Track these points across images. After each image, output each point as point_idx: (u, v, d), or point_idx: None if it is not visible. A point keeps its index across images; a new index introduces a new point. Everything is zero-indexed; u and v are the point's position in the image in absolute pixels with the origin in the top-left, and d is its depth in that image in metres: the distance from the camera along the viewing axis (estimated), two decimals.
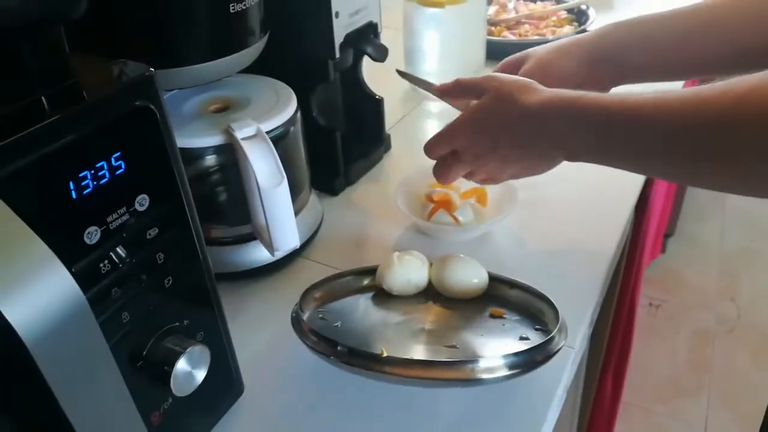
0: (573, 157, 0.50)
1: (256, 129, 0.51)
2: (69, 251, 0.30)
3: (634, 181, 0.71)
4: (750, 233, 1.99)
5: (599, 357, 0.93)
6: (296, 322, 0.49)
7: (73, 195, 0.31)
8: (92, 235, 0.33)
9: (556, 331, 0.46)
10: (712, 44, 0.54)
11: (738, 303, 1.76)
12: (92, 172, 0.32)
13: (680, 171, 0.45)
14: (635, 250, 0.83)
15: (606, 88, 0.60)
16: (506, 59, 0.64)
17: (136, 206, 0.35)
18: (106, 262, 0.34)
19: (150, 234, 0.37)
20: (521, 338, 0.49)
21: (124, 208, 0.35)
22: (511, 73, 0.57)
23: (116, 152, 0.34)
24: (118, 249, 0.35)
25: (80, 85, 0.34)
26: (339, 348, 0.45)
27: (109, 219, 0.34)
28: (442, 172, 0.56)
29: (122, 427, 0.36)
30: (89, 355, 0.32)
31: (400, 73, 0.68)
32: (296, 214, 0.54)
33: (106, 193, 0.33)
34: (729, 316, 1.72)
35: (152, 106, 0.35)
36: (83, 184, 0.32)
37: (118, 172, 0.34)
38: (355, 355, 0.45)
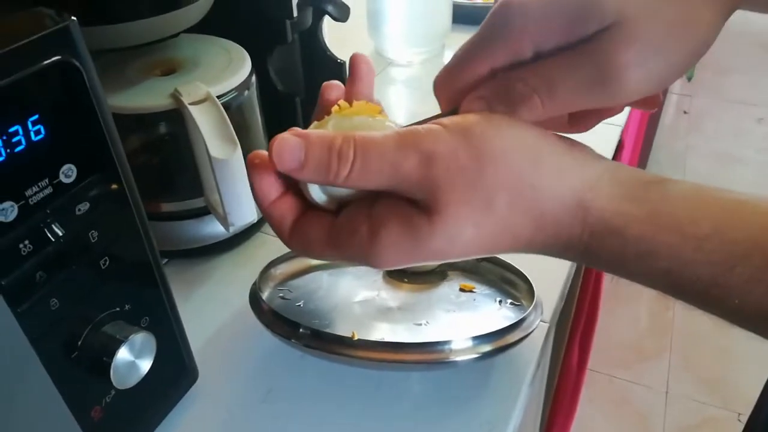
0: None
1: (205, 93, 0.47)
2: None
3: (605, 153, 0.68)
4: None
5: (566, 326, 0.92)
6: (255, 301, 0.46)
7: None
8: (7, 211, 0.29)
9: (531, 308, 0.43)
10: None
11: None
12: (4, 138, 0.28)
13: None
14: None
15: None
16: None
17: (61, 177, 0.31)
18: (26, 242, 0.30)
19: (80, 209, 0.33)
20: (498, 301, 0.47)
21: (47, 180, 0.31)
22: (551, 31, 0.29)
23: (33, 115, 0.29)
24: (41, 227, 0.31)
25: None
26: (301, 330, 0.42)
27: (28, 193, 0.30)
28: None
29: (50, 427, 0.32)
30: (2, 348, 0.28)
31: None
32: None
33: (22, 163, 0.29)
34: None
35: (75, 62, 0.31)
36: None
37: (36, 138, 0.30)
38: (318, 338, 0.42)
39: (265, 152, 0.30)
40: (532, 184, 0.28)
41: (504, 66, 0.30)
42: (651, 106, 0.34)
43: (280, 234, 0.31)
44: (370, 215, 0.29)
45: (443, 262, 0.31)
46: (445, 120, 0.29)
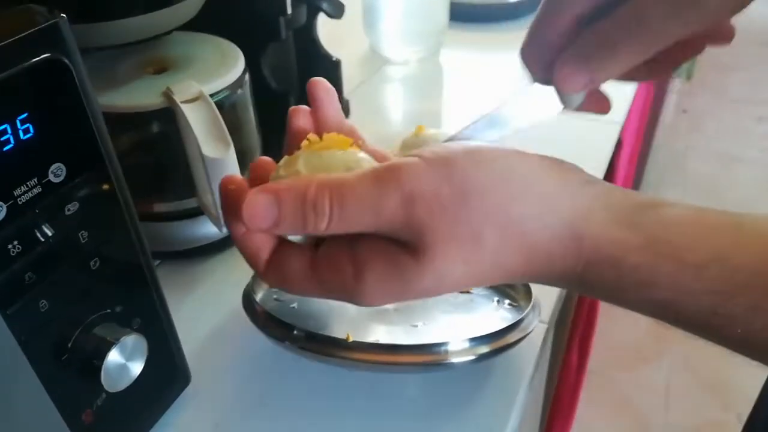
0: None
1: (198, 91, 0.46)
2: None
3: (603, 151, 0.68)
4: (711, 200, 2.02)
5: (566, 328, 0.92)
6: (248, 303, 0.45)
7: None
8: None
9: (529, 309, 0.43)
10: None
11: None
12: None
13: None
14: None
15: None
16: None
17: (50, 177, 0.31)
18: (15, 242, 0.30)
19: (69, 209, 0.32)
20: (496, 302, 0.46)
21: (35, 180, 0.30)
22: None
23: (22, 114, 0.29)
24: (30, 227, 0.30)
25: None
26: (295, 332, 0.41)
27: (16, 192, 0.29)
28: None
29: (41, 430, 0.31)
30: None
31: None
32: None
33: (11, 162, 0.28)
34: None
35: (65, 60, 0.30)
36: None
37: (25, 137, 0.29)
38: (312, 340, 0.41)
39: (239, 177, 0.29)
40: (520, 217, 0.27)
41: (586, 12, 0.29)
42: (727, 37, 0.33)
43: (255, 267, 0.30)
44: (354, 253, 0.28)
45: (432, 297, 0.30)
46: (426, 152, 0.28)
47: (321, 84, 0.35)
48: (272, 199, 0.27)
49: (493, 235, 0.27)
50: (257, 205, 0.27)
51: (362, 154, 0.31)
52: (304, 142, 0.31)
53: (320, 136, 0.31)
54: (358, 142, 0.33)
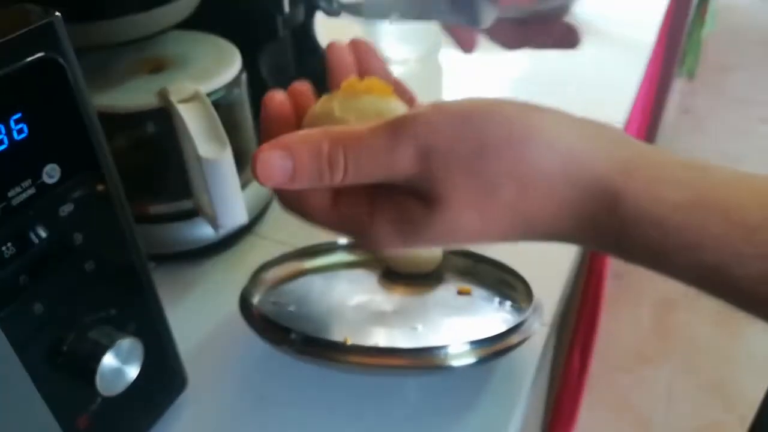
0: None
1: (194, 91, 0.46)
2: None
3: None
4: None
5: (567, 330, 0.91)
6: (245, 306, 0.45)
7: None
8: None
9: (530, 311, 0.42)
10: None
11: None
12: None
13: None
14: None
15: None
16: None
17: (44, 178, 0.30)
18: (9, 244, 0.29)
19: (63, 211, 0.32)
20: (498, 304, 0.46)
21: (29, 181, 0.30)
22: None
23: (16, 114, 0.28)
24: (24, 229, 0.30)
25: None
26: (292, 335, 0.41)
27: (10, 193, 0.29)
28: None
29: None
30: None
31: None
32: (244, 186, 0.49)
33: (5, 163, 0.28)
34: None
35: (59, 59, 0.30)
36: None
37: (19, 138, 0.29)
38: (310, 343, 0.41)
39: (281, 95, 0.33)
40: (543, 171, 0.26)
41: None
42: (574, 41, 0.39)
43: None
44: (372, 193, 0.29)
45: (446, 247, 0.31)
46: (444, 104, 0.28)
47: (360, 44, 0.37)
48: (285, 153, 0.27)
49: (511, 187, 0.26)
50: (270, 161, 0.27)
51: (398, 103, 0.30)
52: (344, 83, 0.31)
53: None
54: (405, 96, 0.33)
